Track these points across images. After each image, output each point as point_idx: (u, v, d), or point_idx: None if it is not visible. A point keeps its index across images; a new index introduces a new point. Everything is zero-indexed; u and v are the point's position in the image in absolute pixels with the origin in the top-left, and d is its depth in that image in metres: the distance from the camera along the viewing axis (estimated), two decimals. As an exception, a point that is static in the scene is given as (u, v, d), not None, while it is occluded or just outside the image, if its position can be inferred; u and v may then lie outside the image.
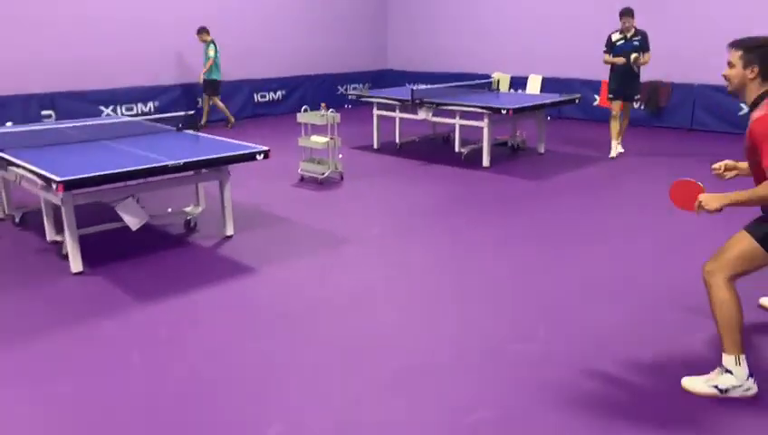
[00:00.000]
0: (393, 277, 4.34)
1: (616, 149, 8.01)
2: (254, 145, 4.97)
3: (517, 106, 7.31)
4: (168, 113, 6.72)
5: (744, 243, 2.80)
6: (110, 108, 10.10)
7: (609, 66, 7.86)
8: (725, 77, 2.83)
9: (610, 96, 7.93)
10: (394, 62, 14.44)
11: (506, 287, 4.13)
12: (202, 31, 10.07)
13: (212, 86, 10.21)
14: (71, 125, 5.49)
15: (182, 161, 4.34)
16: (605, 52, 7.89)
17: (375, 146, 8.80)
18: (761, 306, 3.71)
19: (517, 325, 3.58)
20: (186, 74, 10.80)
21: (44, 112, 9.46)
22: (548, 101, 8.07)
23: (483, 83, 9.78)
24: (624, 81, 7.77)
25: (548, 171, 7.35)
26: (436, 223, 5.50)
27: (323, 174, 6.92)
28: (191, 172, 4.92)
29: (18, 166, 4.39)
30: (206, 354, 3.29)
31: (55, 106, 9.53)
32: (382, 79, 14.18)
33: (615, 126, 7.94)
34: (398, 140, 8.68)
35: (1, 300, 3.98)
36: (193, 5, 10.84)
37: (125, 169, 4.08)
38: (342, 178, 7.07)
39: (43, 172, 3.99)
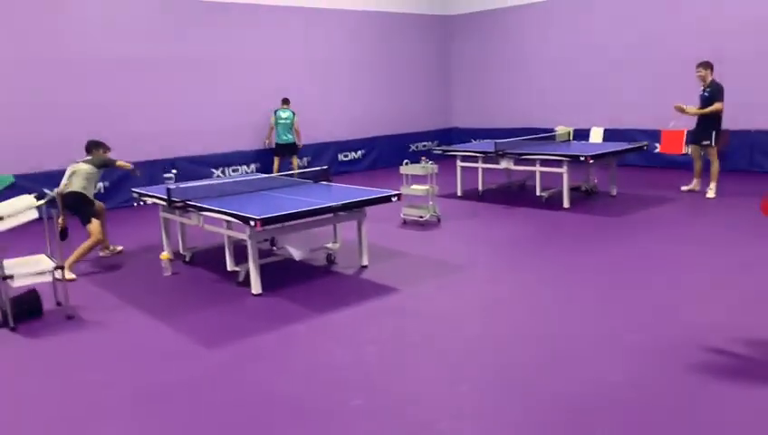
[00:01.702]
0: (512, 291, 5.28)
1: (690, 184, 9.26)
2: (388, 190, 6.08)
3: (595, 153, 8.28)
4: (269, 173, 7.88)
5: None
6: (220, 169, 11.55)
7: None
8: None
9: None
10: (458, 120, 15.69)
11: (611, 297, 5.02)
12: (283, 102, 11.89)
13: (279, 148, 11.79)
14: (231, 181, 6.73)
15: (341, 203, 5.45)
16: None
17: (458, 193, 9.86)
18: None
19: (627, 322, 4.47)
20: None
21: (166, 175, 10.89)
22: (620, 148, 9.01)
23: (549, 136, 10.82)
24: (696, 127, 8.94)
25: (625, 210, 8.23)
26: (536, 252, 6.44)
27: (422, 217, 7.98)
28: (331, 214, 6.00)
29: (210, 211, 5.56)
30: (388, 342, 4.28)
31: (176, 169, 10.99)
32: (448, 136, 15.44)
33: (696, 166, 9.20)
34: (480, 187, 9.72)
35: (210, 312, 5.10)
36: (290, 80, 12.42)
37: (307, 208, 5.21)
38: (439, 220, 8.11)
39: (242, 214, 5.12)
